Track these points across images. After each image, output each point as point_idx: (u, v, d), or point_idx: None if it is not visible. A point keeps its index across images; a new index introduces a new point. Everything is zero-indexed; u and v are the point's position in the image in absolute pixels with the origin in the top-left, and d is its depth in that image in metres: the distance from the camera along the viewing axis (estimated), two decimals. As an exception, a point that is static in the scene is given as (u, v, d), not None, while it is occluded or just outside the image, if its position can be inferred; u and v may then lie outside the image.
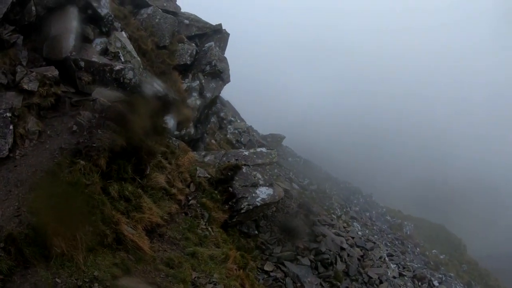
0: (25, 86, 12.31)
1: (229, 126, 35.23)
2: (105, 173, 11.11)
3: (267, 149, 19.02)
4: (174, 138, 15.86)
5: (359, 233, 30.10)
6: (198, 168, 15.54)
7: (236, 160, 16.99)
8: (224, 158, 17.07)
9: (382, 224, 45.76)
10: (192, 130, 16.91)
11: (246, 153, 17.94)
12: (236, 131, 35.80)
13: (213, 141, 27.63)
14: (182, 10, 24.26)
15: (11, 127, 11.39)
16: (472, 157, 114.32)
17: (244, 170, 16.48)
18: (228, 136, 33.24)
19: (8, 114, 11.53)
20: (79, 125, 11.72)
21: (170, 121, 15.33)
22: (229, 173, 16.10)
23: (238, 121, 39.85)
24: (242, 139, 35.05)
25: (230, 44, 26.04)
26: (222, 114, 34.58)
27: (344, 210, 39.87)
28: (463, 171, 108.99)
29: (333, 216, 29.38)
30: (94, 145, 10.85)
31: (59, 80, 13.20)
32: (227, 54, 25.12)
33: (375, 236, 34.59)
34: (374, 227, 40.56)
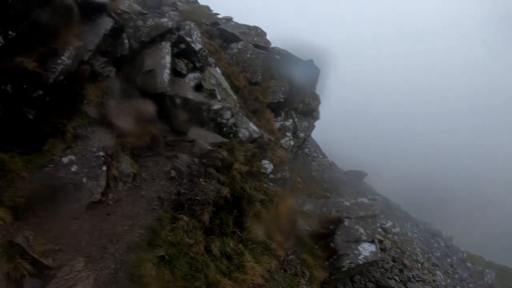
0: (119, 124, 11.43)
1: (313, 163, 33.66)
2: (207, 228, 9.80)
3: (368, 199, 17.32)
4: (271, 184, 14.50)
5: (443, 283, 29.43)
6: (298, 219, 14.05)
7: (337, 211, 15.46)
8: (325, 208, 15.57)
9: (462, 272, 42.64)
10: (287, 174, 15.53)
11: (347, 203, 16.31)
12: (320, 168, 34.28)
13: (298, 179, 26.33)
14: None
15: (104, 168, 10.40)
16: None
17: (346, 223, 14.95)
18: (312, 173, 31.70)
19: (101, 153, 10.59)
20: (178, 170, 10.57)
21: (269, 166, 14.03)
22: (331, 227, 14.59)
23: (321, 156, 38.37)
24: (325, 176, 33.60)
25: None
26: (306, 150, 33.05)
27: (426, 256, 37.78)
28: None
29: (418, 264, 28.16)
30: (198, 198, 9.59)
31: (153, 117, 12.21)
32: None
33: (457, 287, 33.13)
34: (456, 276, 38.19)
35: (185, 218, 9.37)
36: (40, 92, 10.80)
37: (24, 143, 10.21)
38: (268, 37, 23.31)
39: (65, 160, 10.29)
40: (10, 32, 10.64)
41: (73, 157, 10.39)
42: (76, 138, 10.87)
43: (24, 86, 10.63)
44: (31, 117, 10.57)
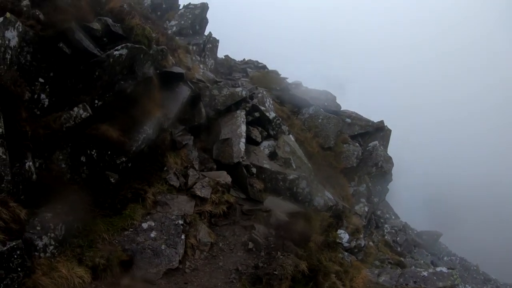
0: (198, 192, 11.59)
1: (385, 225, 32.48)
2: (284, 303, 9.54)
3: (448, 268, 16.32)
4: (346, 253, 14.09)
5: None
6: (374, 292, 13.43)
7: (415, 282, 14.61)
8: (401, 279, 14.77)
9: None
10: (362, 242, 15.04)
11: (425, 273, 15.41)
12: (393, 230, 32.99)
13: (371, 243, 25.41)
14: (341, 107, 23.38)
15: (182, 236, 10.50)
16: None
17: (425, 296, 14.09)
18: (385, 237, 30.57)
19: (180, 222, 10.73)
20: (255, 242, 10.47)
21: (344, 235, 13.70)
22: (408, 299, 13.80)
23: (393, 217, 37.03)
24: (398, 238, 32.24)
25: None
26: (379, 213, 32.03)
27: (509, 326, 34.88)
28: None
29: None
30: (276, 272, 9.38)
31: (230, 186, 12.33)
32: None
33: None
34: None
35: (263, 292, 9.17)
36: (123, 159, 11.27)
37: (106, 206, 10.59)
38: (338, 101, 23.42)
39: (144, 225, 10.54)
40: (96, 102, 11.31)
41: (152, 223, 10.59)
42: (155, 204, 11.14)
43: (109, 152, 11.13)
44: (113, 181, 10.98)
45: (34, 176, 9.37)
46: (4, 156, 8.58)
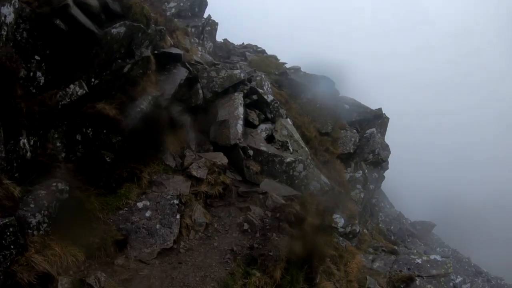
0: (194, 173, 11.51)
1: (380, 214, 32.54)
2: (278, 285, 9.53)
3: (442, 257, 16.44)
4: (341, 238, 14.14)
5: None
6: (368, 277, 13.50)
7: (409, 269, 14.74)
8: (395, 266, 14.89)
9: None
10: (357, 228, 15.07)
11: (419, 261, 15.54)
12: (387, 219, 33.10)
13: (365, 230, 25.56)
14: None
15: (178, 216, 10.41)
16: None
17: (417, 282, 14.24)
18: (380, 225, 30.66)
19: (176, 201, 10.64)
20: (251, 223, 10.44)
21: (340, 220, 13.72)
22: (402, 286, 13.90)
23: (388, 206, 37.09)
24: (392, 227, 32.38)
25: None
26: (374, 201, 32.05)
27: (499, 313, 35.00)
28: None
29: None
30: (271, 253, 9.37)
31: (226, 168, 12.27)
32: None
33: None
34: (535, 337, 35.04)
35: (257, 273, 9.13)
36: (119, 137, 11.18)
37: (101, 185, 10.49)
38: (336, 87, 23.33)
39: (139, 205, 10.46)
40: (93, 80, 11.20)
41: (147, 203, 10.53)
42: (151, 184, 11.07)
43: (104, 131, 11.04)
44: (109, 160, 10.90)
45: (28, 154, 9.30)
46: None
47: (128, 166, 11.12)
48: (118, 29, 11.43)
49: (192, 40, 18.98)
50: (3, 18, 9.63)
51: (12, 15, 9.90)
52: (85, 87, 10.72)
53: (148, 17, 12.85)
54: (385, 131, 23.91)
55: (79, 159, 10.70)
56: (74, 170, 10.34)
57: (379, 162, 20.75)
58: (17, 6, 9.96)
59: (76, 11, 10.88)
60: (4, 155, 8.66)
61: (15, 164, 9.02)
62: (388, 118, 24.14)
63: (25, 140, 9.31)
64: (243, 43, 27.25)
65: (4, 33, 9.69)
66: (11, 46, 9.91)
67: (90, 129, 10.89)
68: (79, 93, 10.55)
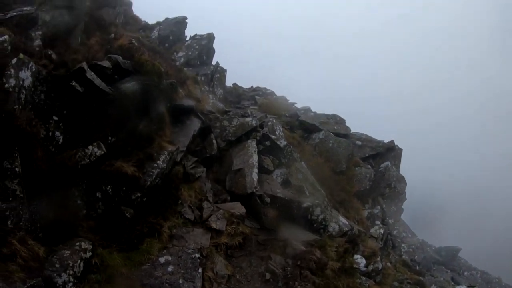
0: (213, 225, 11.70)
1: (402, 245, 31.92)
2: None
3: (468, 286, 16.28)
4: (364, 278, 13.99)
5: None
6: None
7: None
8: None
9: None
10: (379, 265, 14.89)
11: (445, 294, 15.35)
12: (410, 249, 32.47)
13: (388, 264, 25.10)
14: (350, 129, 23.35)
15: (200, 269, 10.55)
16: None
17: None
18: (403, 256, 30.06)
19: (197, 255, 10.80)
20: (272, 273, 10.50)
21: (361, 260, 13.61)
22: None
23: (410, 236, 36.43)
24: (416, 257, 31.74)
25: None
26: (395, 232, 31.53)
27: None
28: None
29: None
30: (296, 305, 9.41)
31: (245, 217, 12.39)
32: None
33: None
34: None
35: (285, 326, 9.16)
36: (138, 194, 11.42)
37: (122, 241, 10.69)
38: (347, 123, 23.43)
39: (161, 259, 10.62)
40: (109, 138, 11.60)
41: (169, 257, 10.68)
42: (172, 238, 11.24)
43: (124, 188, 11.30)
44: (129, 216, 11.13)
45: (51, 213, 9.57)
46: (21, 195, 8.84)
47: (148, 221, 11.34)
48: (131, 89, 11.91)
49: (203, 88, 19.33)
50: (21, 82, 10.14)
51: (30, 79, 10.41)
52: (103, 148, 11.08)
53: (159, 73, 13.25)
54: (399, 162, 23.80)
55: (100, 216, 10.96)
56: (95, 227, 10.62)
57: (396, 195, 20.67)
58: (34, 69, 10.52)
59: (91, 74, 11.37)
60: (28, 216, 8.94)
61: (38, 225, 9.32)
62: (401, 149, 24.05)
63: (48, 201, 9.61)
64: (252, 86, 27.59)
65: (23, 96, 10.16)
66: (30, 109, 10.39)
67: (109, 186, 11.16)
68: (97, 154, 10.95)
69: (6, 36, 10.39)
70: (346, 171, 19.05)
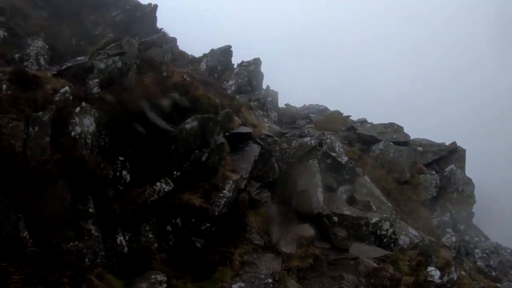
0: (284, 249, 11.80)
1: (476, 250, 30.49)
2: None
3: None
4: (440, 291, 13.61)
5: None
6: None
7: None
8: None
9: None
10: (454, 275, 14.41)
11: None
12: (485, 254, 30.90)
13: (463, 272, 24.08)
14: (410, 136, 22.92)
15: (273, 294, 10.63)
16: None
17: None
18: (477, 263, 28.71)
19: (269, 280, 10.90)
20: (347, 293, 10.44)
21: (435, 272, 13.26)
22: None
23: (483, 240, 34.70)
24: (491, 262, 30.18)
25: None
26: (467, 238, 30.26)
27: None
28: None
29: None
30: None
31: (314, 238, 12.42)
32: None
33: None
34: None
35: None
36: (207, 224, 11.71)
37: (195, 271, 10.92)
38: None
39: (235, 287, 10.76)
40: (175, 173, 12.01)
41: (242, 284, 10.82)
42: (243, 265, 11.41)
43: (193, 219, 11.62)
44: (200, 246, 11.40)
45: (125, 249, 10.05)
46: (97, 234, 9.31)
47: (219, 250, 11.58)
48: (191, 124, 12.35)
49: (257, 113, 19.64)
50: (86, 128, 10.85)
51: (93, 124, 11.12)
52: (171, 183, 11.52)
53: (215, 105, 13.63)
54: (464, 164, 23.04)
55: (171, 247, 11.30)
56: (168, 258, 10.93)
57: (465, 198, 20.03)
58: (96, 115, 11.25)
59: (151, 115, 11.95)
60: (104, 253, 9.37)
61: (114, 260, 9.74)
62: (464, 150, 23.28)
63: (121, 237, 10.11)
64: (304, 105, 27.76)
65: (89, 141, 10.82)
66: (97, 152, 11.03)
67: (179, 219, 11.52)
68: (166, 189, 11.40)
69: (67, 88, 11.12)
70: (411, 180, 18.72)
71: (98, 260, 9.13)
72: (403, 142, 21.13)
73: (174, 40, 29.43)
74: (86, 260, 8.92)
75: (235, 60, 26.40)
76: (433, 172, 20.40)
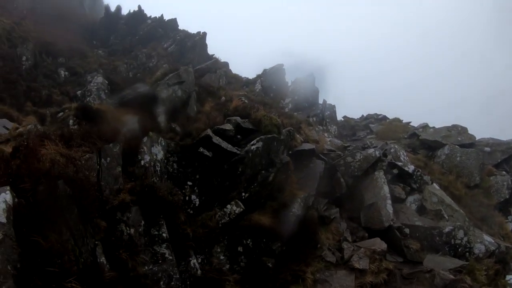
0: (356, 265, 11.70)
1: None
2: None
3: None
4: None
5: None
6: None
7: None
8: None
9: None
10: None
11: None
12: None
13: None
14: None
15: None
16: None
17: None
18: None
19: (343, 298, 10.87)
20: (427, 308, 10.24)
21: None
22: None
23: None
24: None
25: None
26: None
27: None
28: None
29: None
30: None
31: (386, 252, 12.27)
32: None
33: None
34: None
35: None
36: (278, 243, 11.92)
37: (268, 291, 11.05)
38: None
39: (308, 305, 10.80)
40: (243, 194, 12.35)
41: (316, 302, 10.82)
42: (315, 283, 11.44)
43: (264, 239, 11.87)
44: (271, 266, 11.63)
45: (198, 271, 10.47)
46: (170, 257, 9.77)
47: (291, 269, 11.71)
48: (256, 145, 12.66)
49: (317, 128, 19.71)
50: (155, 156, 11.43)
51: (162, 152, 11.71)
52: (241, 205, 11.88)
53: (278, 125, 13.83)
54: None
55: (243, 268, 11.57)
56: (240, 279, 11.19)
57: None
58: (163, 143, 11.86)
59: (216, 139, 12.32)
60: (178, 276, 9.78)
61: (188, 283, 10.14)
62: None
63: (194, 260, 10.53)
64: (362, 115, 27.51)
65: (158, 168, 11.34)
66: (166, 178, 11.52)
67: (249, 239, 11.79)
68: (236, 211, 11.77)
69: (137, 118, 11.71)
70: (481, 183, 18.00)
71: (172, 283, 9.54)
72: (469, 144, 20.41)
73: (226, 64, 30.32)
74: (161, 283, 9.35)
75: (290, 78, 26.71)
76: (504, 172, 19.52)
